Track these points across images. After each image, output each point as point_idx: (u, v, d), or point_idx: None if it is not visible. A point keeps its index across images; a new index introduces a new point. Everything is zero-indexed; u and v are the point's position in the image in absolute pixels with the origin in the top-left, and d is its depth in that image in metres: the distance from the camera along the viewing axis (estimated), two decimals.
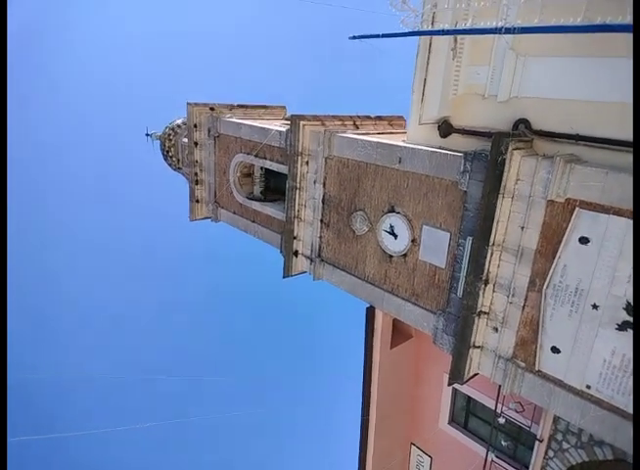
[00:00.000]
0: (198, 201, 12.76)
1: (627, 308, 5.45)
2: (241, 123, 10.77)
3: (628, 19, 4.56)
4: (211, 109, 11.81)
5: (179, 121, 13.86)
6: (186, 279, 46.69)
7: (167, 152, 14.05)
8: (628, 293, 5.40)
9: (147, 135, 14.65)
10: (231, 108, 12.05)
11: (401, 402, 12.27)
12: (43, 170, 40.96)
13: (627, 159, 5.67)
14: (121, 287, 42.19)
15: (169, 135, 13.87)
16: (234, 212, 11.85)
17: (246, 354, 44.67)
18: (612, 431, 5.82)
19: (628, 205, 5.22)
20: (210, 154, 11.92)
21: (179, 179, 14.39)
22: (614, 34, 5.42)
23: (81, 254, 42.28)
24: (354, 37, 6.92)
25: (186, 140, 12.83)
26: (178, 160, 13.88)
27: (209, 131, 11.68)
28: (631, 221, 5.24)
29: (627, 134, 5.66)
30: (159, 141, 14.32)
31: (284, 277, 10.21)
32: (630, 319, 5.43)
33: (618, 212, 5.34)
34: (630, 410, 5.62)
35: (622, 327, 5.52)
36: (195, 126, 11.94)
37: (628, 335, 5.48)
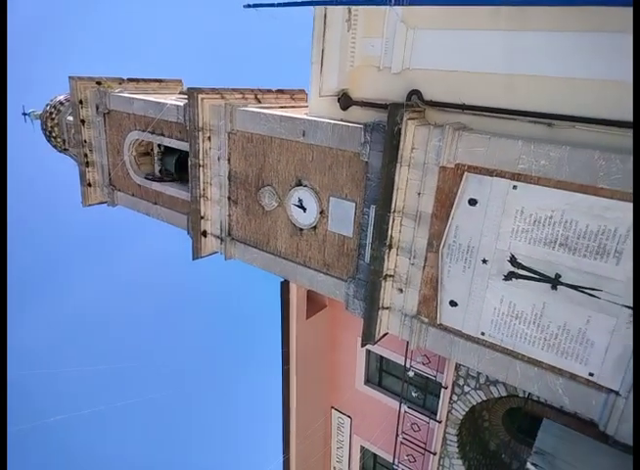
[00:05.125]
0: (90, 184, 11.77)
1: (511, 260, 6.10)
2: (133, 98, 10.02)
3: None
4: (98, 83, 10.82)
5: (61, 98, 12.50)
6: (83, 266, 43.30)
7: (50, 132, 12.65)
8: (512, 246, 6.03)
9: (24, 114, 13.08)
10: (121, 82, 11.13)
11: (320, 370, 12.72)
12: None
13: (507, 125, 6.25)
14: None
15: (51, 113, 12.48)
16: (132, 195, 11.13)
17: (163, 338, 43.37)
18: (504, 370, 6.53)
19: (508, 167, 5.77)
20: (101, 132, 10.99)
21: (68, 162, 13.14)
22: (495, 8, 5.87)
23: None
24: (249, 6, 6.72)
25: (71, 118, 11.66)
26: (64, 140, 12.59)
27: (98, 108, 10.73)
28: (512, 182, 5.83)
29: (508, 102, 6.20)
30: (39, 120, 12.87)
31: (194, 259, 9.88)
32: (514, 270, 6.09)
33: (500, 174, 5.89)
34: (517, 350, 6.38)
35: (508, 277, 6.18)
36: (80, 103, 10.88)
37: (513, 284, 6.15)
